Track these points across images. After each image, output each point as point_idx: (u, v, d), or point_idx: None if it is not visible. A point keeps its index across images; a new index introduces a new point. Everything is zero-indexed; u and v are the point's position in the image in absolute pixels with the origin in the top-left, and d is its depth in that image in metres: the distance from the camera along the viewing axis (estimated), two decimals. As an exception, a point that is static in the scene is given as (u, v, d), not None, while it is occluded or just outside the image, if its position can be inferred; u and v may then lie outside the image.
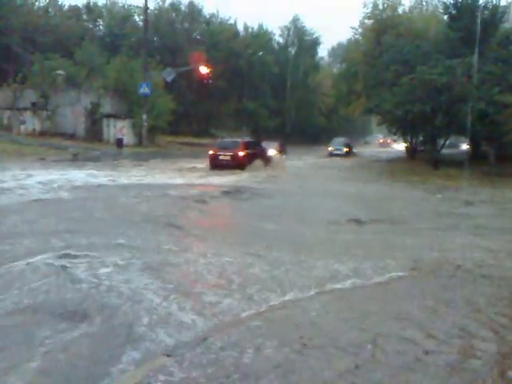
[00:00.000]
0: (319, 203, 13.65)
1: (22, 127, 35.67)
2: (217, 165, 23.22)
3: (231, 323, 4.66)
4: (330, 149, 41.63)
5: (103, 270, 5.99)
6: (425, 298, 5.46)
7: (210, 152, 23.90)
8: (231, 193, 14.26)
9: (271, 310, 4.99)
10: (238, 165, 23.11)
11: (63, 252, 6.70)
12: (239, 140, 25.75)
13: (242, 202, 13.21)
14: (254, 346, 4.14)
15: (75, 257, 6.50)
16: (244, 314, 4.87)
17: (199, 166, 23.88)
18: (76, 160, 23.01)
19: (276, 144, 35.16)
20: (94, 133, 35.95)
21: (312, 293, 5.56)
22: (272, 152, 30.27)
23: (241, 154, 23.63)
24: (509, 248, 8.37)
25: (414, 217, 11.69)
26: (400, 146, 51.53)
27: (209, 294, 5.38)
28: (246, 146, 24.74)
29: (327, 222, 10.41)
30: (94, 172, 18.76)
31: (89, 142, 33.48)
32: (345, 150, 41.18)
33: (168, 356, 3.97)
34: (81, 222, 9.15)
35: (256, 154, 25.10)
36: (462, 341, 4.40)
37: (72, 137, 34.75)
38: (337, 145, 42.15)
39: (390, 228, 10.00)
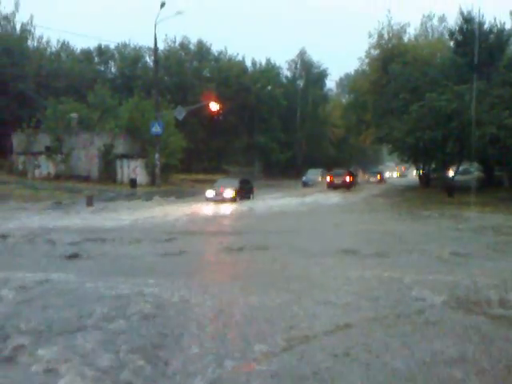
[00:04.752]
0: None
1: (37, 171, 36.23)
2: (332, 186, 36.14)
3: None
4: (366, 176, 53.20)
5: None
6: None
7: (328, 178, 37.75)
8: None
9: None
10: (346, 186, 36.06)
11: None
12: (345, 170, 39.89)
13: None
14: None
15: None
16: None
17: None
18: (91, 203, 23.14)
19: (236, 181, 27.92)
20: (108, 174, 36.34)
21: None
22: (229, 193, 25.80)
23: (348, 179, 37.07)
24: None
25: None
26: (394, 174, 67.40)
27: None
28: (350, 173, 38.59)
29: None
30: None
31: (103, 184, 33.81)
32: (378, 177, 52.47)
33: None
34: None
35: (354, 178, 39.12)
36: None
37: (86, 179, 35.12)
38: (371, 173, 54.15)
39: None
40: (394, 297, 6.95)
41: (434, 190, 31.97)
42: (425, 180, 37.64)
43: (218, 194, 25.79)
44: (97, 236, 13.06)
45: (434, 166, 34.91)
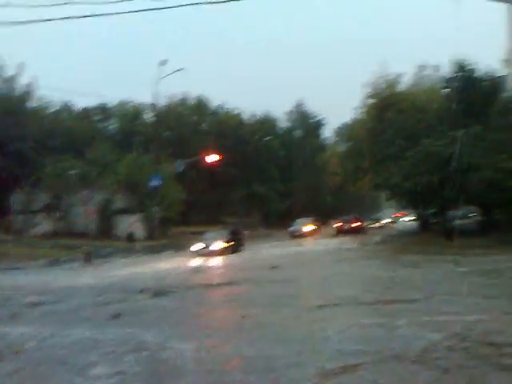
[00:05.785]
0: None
1: (36, 229, 36.06)
2: (342, 231, 38.62)
3: None
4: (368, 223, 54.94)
5: None
6: None
7: (338, 224, 40.69)
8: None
9: None
10: (354, 231, 38.29)
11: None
12: (353, 216, 42.67)
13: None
14: None
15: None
16: None
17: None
18: (89, 260, 22.97)
19: (225, 233, 27.92)
20: (106, 229, 36.21)
21: None
22: (217, 246, 25.51)
23: (355, 224, 40.21)
24: None
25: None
26: (388, 220, 63.07)
27: None
28: (357, 219, 41.83)
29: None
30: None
31: (101, 239, 33.61)
32: (377, 223, 55.19)
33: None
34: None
35: (362, 223, 42.53)
36: None
37: (84, 235, 34.93)
38: (370, 220, 55.30)
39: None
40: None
41: (433, 234, 31.71)
42: (424, 225, 37.37)
43: (206, 247, 25.48)
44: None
45: (432, 210, 34.78)
